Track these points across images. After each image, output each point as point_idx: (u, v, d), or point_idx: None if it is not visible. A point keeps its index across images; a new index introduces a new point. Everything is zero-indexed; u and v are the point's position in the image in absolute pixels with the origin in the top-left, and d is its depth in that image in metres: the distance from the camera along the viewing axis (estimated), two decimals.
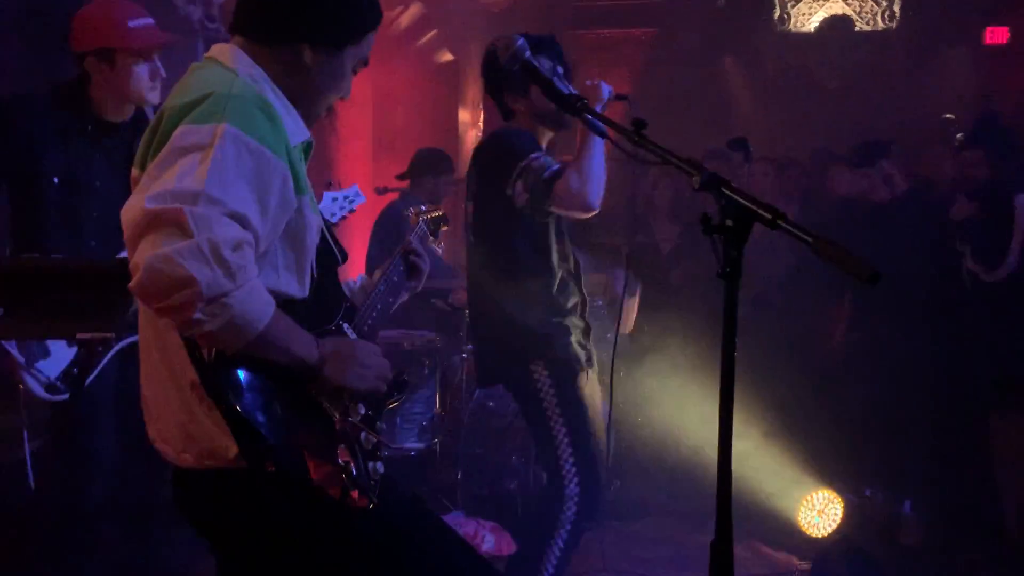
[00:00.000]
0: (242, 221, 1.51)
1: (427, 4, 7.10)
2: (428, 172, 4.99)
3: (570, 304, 2.86)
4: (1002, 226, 3.83)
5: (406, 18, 6.98)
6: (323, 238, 1.79)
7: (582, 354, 2.87)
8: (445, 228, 2.36)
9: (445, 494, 4.40)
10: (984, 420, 4.04)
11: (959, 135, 6.72)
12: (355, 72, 1.83)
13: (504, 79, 2.78)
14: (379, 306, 1.95)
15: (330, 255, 1.81)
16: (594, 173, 2.64)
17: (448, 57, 8.03)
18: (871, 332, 4.25)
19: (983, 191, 3.98)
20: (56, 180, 2.78)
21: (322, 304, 1.77)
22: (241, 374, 1.57)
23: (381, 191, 5.21)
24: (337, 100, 1.85)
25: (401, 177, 5.13)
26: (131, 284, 1.48)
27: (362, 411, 1.78)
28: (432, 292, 4.84)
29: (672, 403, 4.32)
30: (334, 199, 3.70)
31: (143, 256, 1.46)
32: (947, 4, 8.03)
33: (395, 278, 2.04)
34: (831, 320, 4.63)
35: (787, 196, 5.18)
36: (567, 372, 2.82)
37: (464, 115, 8.63)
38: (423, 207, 2.32)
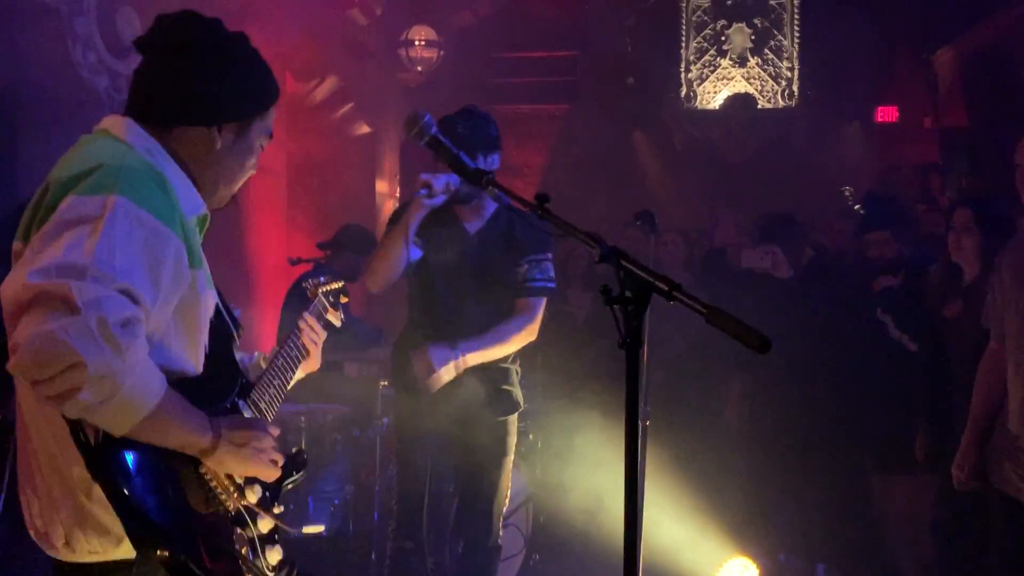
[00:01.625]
0: (132, 296, 1.45)
1: (343, 77, 7.17)
2: (349, 248, 4.95)
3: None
4: (915, 295, 3.98)
5: (322, 91, 7.03)
6: (218, 311, 1.74)
7: None
8: (346, 300, 2.31)
9: (359, 574, 4.26)
10: (870, 483, 4.16)
11: (856, 206, 7.09)
12: (262, 147, 1.80)
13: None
14: (276, 382, 1.89)
15: (225, 329, 1.76)
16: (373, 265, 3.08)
17: (365, 129, 8.10)
18: (773, 396, 4.35)
19: (898, 266, 4.14)
20: None
21: (216, 380, 1.71)
22: (130, 456, 1.49)
23: (294, 262, 5.14)
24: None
25: (323, 246, 5.07)
26: (10, 364, 1.39)
27: (259, 493, 1.71)
28: (347, 360, 4.77)
29: (590, 476, 4.31)
30: None
31: (24, 334, 1.38)
32: (841, 85, 8.55)
33: (293, 353, 1.99)
34: (737, 388, 4.73)
35: (694, 267, 5.32)
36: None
37: (381, 186, 8.66)
38: (321, 279, 2.25)
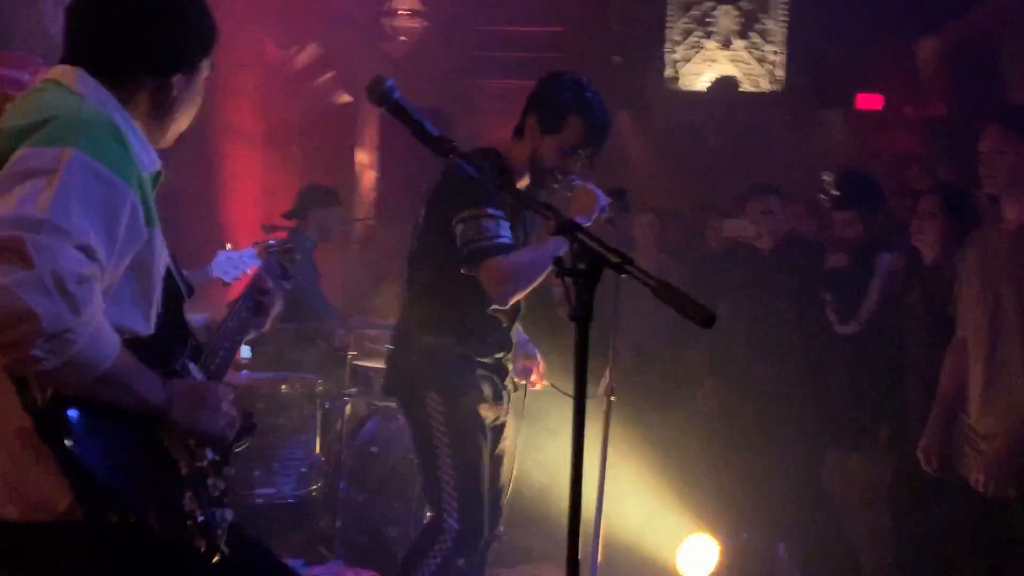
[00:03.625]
0: (88, 252, 1.43)
1: (325, 45, 7.10)
2: (315, 205, 4.93)
3: (488, 340, 2.80)
4: (864, 282, 4.02)
5: (303, 58, 6.97)
6: (169, 272, 1.72)
7: (487, 391, 2.80)
8: (296, 258, 2.30)
9: (324, 542, 4.28)
10: (824, 462, 4.22)
11: (833, 191, 7.11)
12: (206, 79, 1.80)
13: (550, 104, 2.75)
14: (226, 344, 1.88)
15: (176, 290, 1.75)
16: (528, 275, 2.60)
17: (346, 99, 8.04)
18: (738, 376, 4.38)
19: (855, 247, 4.15)
20: None
21: (167, 341, 1.70)
22: (79, 416, 1.47)
23: (268, 228, 5.10)
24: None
25: (288, 215, 5.05)
26: None
27: (209, 456, 1.71)
28: (315, 333, 4.76)
29: (556, 449, 4.34)
30: (228, 259, 3.63)
31: None
32: (825, 70, 8.54)
33: (243, 315, 1.97)
34: (699, 365, 4.76)
35: (669, 247, 5.34)
36: (464, 405, 2.75)
37: (361, 156, 8.61)
38: (271, 242, 2.25)
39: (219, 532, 1.67)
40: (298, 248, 3.58)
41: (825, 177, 7.59)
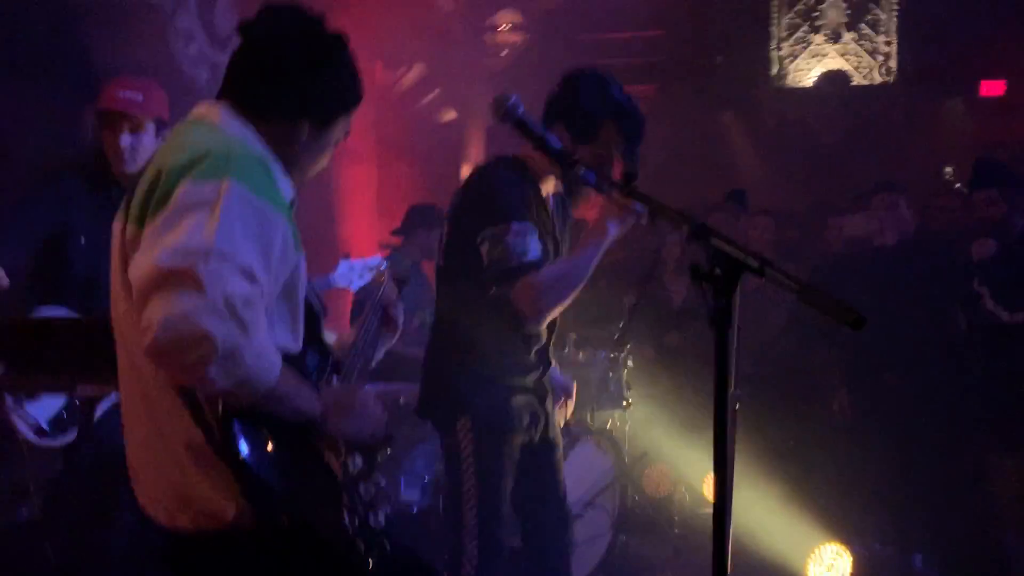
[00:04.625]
0: (251, 275, 1.52)
1: (430, 64, 7.25)
2: (420, 226, 5.03)
3: (524, 364, 2.67)
4: (1019, 266, 3.82)
5: (409, 78, 7.13)
6: (306, 292, 1.79)
7: (523, 418, 2.65)
8: (406, 285, 2.35)
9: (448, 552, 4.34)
10: (984, 464, 4.00)
11: (957, 184, 6.79)
12: (337, 144, 1.86)
13: (579, 112, 2.54)
14: (361, 360, 1.97)
15: (314, 309, 1.83)
16: (562, 291, 2.45)
17: (452, 115, 8.18)
18: (872, 381, 4.23)
19: (1001, 230, 3.97)
20: (82, 240, 2.82)
21: (311, 359, 1.77)
22: (248, 429, 1.57)
23: (385, 247, 5.26)
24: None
25: (396, 232, 5.17)
26: (146, 344, 1.47)
27: (359, 463, 1.78)
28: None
29: (677, 457, 4.29)
30: (351, 267, 3.74)
31: (157, 315, 1.45)
32: (943, 57, 8.18)
33: (373, 329, 2.06)
34: (831, 372, 4.61)
35: (785, 249, 5.20)
36: (494, 435, 2.61)
37: (467, 172, 8.74)
38: (383, 266, 2.29)
39: (375, 536, 1.73)
40: (398, 267, 3.72)
41: (947, 171, 7.27)
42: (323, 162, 1.85)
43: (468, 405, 2.61)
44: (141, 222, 1.60)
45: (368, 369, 2.01)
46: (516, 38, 7.78)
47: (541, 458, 2.76)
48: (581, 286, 2.49)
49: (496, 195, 2.50)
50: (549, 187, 2.67)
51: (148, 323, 1.46)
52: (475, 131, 8.25)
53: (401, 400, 4.45)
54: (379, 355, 2.11)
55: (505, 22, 7.70)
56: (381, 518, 1.76)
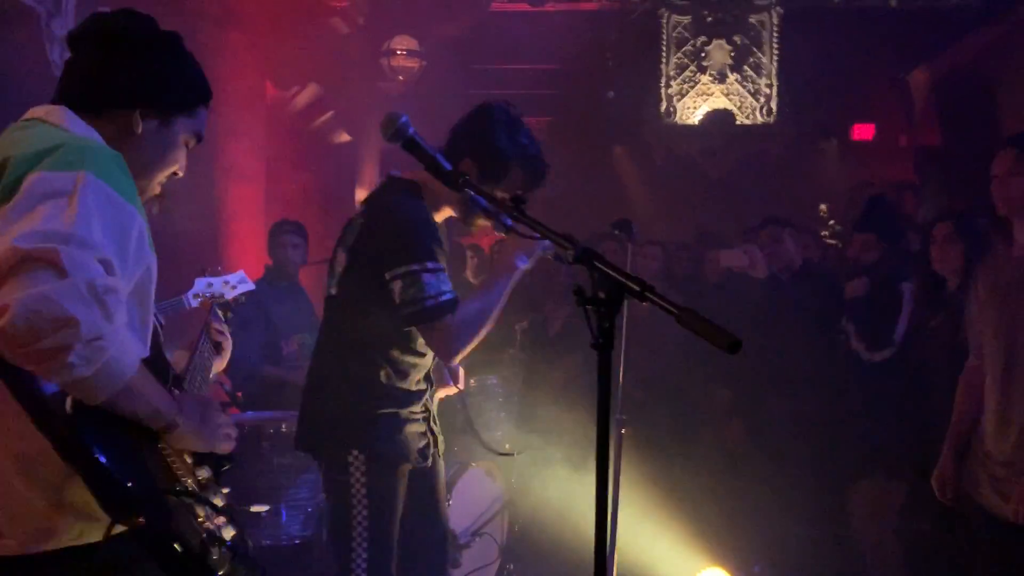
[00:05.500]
0: (109, 267, 1.47)
1: (324, 86, 7.16)
2: (270, 243, 4.93)
3: (413, 389, 2.62)
4: (887, 309, 4.02)
5: (303, 98, 7.02)
6: None
7: (415, 448, 2.61)
8: (229, 315, 2.38)
9: None
10: (846, 489, 4.18)
11: (832, 221, 7.15)
12: (188, 147, 1.81)
13: (490, 152, 2.53)
14: (199, 376, 1.95)
15: (156, 321, 1.78)
16: (476, 329, 2.45)
17: (345, 138, 8.09)
18: (756, 408, 4.37)
19: (873, 273, 4.18)
20: None
21: (157, 365, 1.71)
22: (99, 429, 1.49)
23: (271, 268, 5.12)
24: (170, 175, 1.81)
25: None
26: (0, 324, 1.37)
27: (208, 471, 1.73)
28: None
29: (567, 486, 4.30)
30: (208, 284, 3.64)
31: (14, 295, 1.36)
32: (819, 102, 8.65)
33: (205, 354, 2.06)
34: (719, 399, 4.74)
35: (672, 278, 5.34)
36: (386, 469, 2.56)
37: (361, 195, 8.65)
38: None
39: (226, 544, 1.67)
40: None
41: (821, 207, 7.66)
42: (168, 162, 1.78)
43: (359, 439, 2.54)
44: None
45: (205, 390, 1.99)
46: (412, 64, 7.79)
47: (427, 480, 2.73)
48: (493, 323, 2.49)
49: (411, 233, 2.46)
50: (444, 214, 2.65)
51: (2, 304, 1.37)
52: (368, 154, 8.19)
53: (283, 427, 4.32)
54: (212, 378, 2.09)
55: (401, 47, 7.70)
56: (231, 529, 1.70)
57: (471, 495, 4.16)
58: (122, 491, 1.48)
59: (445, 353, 2.50)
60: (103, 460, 1.46)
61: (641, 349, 4.37)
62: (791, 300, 4.24)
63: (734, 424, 4.56)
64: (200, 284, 3.57)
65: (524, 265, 2.50)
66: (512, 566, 4.40)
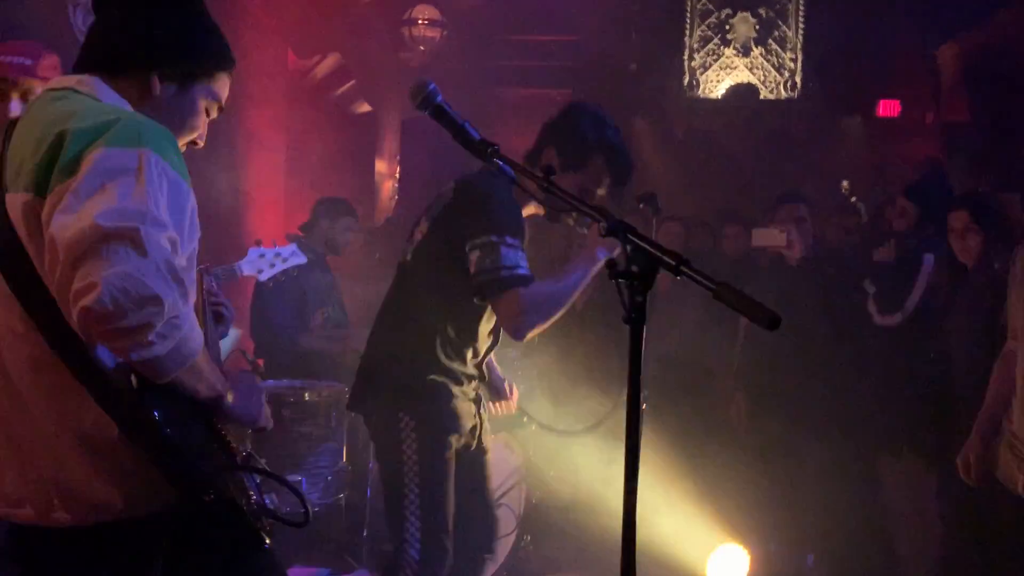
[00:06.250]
0: (175, 247, 1.48)
1: (345, 55, 7.12)
2: (322, 217, 4.95)
3: (469, 374, 2.66)
4: (907, 278, 4.01)
5: (323, 67, 6.99)
6: None
7: (463, 421, 2.64)
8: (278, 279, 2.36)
9: (350, 551, 4.26)
10: (874, 466, 4.17)
11: (853, 198, 7.07)
12: (209, 115, 1.79)
13: (573, 140, 2.58)
14: (212, 352, 1.93)
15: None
16: (548, 309, 2.46)
17: (366, 108, 8.06)
18: (771, 384, 4.34)
19: (901, 241, 4.15)
20: None
21: None
22: (166, 407, 1.51)
23: (292, 238, 5.12)
24: (190, 143, 1.79)
25: (302, 226, 5.07)
26: (86, 303, 1.36)
27: (248, 447, 1.78)
28: (342, 341, 4.78)
29: (584, 459, 4.31)
30: (261, 255, 3.63)
31: (100, 274, 1.36)
32: (844, 77, 8.52)
33: (210, 327, 2.04)
34: (731, 377, 4.72)
35: (692, 254, 5.29)
36: (437, 435, 2.59)
37: (380, 166, 8.63)
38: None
39: (269, 517, 1.72)
40: (290, 259, 3.61)
41: (844, 186, 7.58)
42: (188, 128, 1.75)
43: (412, 403, 2.57)
44: (42, 189, 1.49)
45: (219, 364, 1.98)
46: (434, 34, 7.73)
47: (474, 463, 2.75)
48: (564, 310, 2.49)
49: (497, 208, 2.48)
50: (529, 210, 2.67)
51: (89, 284, 1.36)
52: (389, 124, 8.16)
53: (305, 396, 4.34)
54: (232, 345, 2.09)
55: (423, 17, 7.63)
56: (275, 499, 1.76)
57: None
58: (192, 467, 1.51)
59: (512, 326, 2.48)
60: (173, 436, 1.49)
61: (660, 326, 4.36)
62: (800, 279, 4.20)
63: (737, 399, 4.55)
64: (253, 254, 3.56)
65: (604, 256, 2.49)
66: (529, 537, 4.43)
